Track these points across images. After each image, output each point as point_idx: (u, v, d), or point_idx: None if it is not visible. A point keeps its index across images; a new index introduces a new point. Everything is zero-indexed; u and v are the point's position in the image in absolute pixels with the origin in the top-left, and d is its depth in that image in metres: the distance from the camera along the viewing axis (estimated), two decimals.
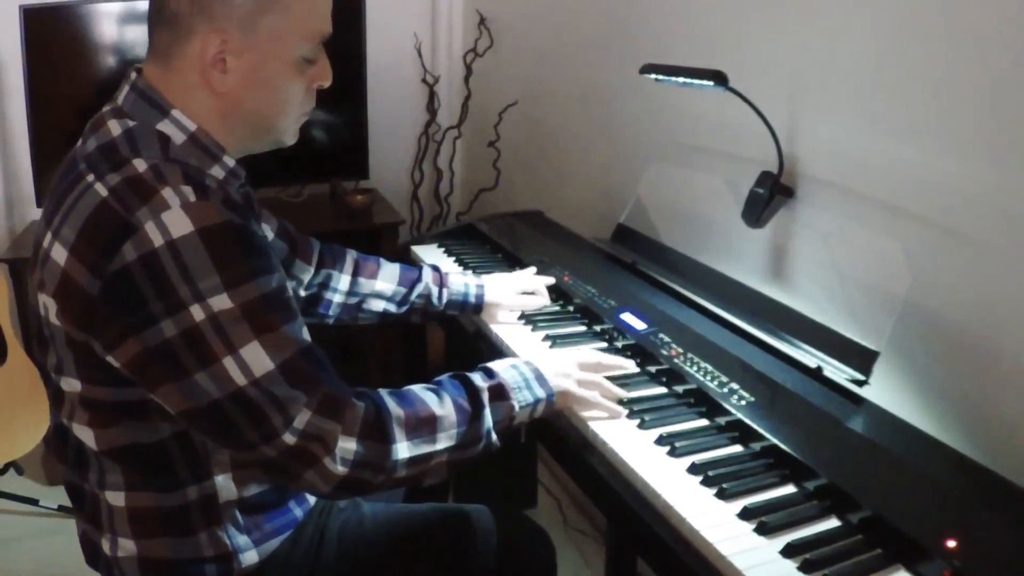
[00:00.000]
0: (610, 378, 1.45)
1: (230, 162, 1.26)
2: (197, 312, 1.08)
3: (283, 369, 1.12)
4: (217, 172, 1.24)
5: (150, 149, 1.16)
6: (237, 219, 1.13)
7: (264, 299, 1.12)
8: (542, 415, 1.39)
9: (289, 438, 1.12)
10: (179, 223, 1.08)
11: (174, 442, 1.20)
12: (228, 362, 1.09)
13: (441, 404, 1.26)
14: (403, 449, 1.20)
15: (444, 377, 1.34)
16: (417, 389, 1.29)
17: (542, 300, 1.86)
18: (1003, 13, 1.29)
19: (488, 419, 1.30)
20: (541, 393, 1.37)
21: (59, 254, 1.12)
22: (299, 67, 1.25)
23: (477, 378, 1.34)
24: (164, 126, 1.20)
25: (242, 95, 1.22)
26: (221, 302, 1.09)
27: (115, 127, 1.18)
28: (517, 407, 1.34)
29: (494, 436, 1.31)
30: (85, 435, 1.21)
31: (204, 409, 1.11)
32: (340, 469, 1.15)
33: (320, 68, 1.28)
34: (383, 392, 1.25)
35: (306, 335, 1.19)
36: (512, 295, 1.83)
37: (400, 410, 1.22)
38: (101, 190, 1.11)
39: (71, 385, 1.19)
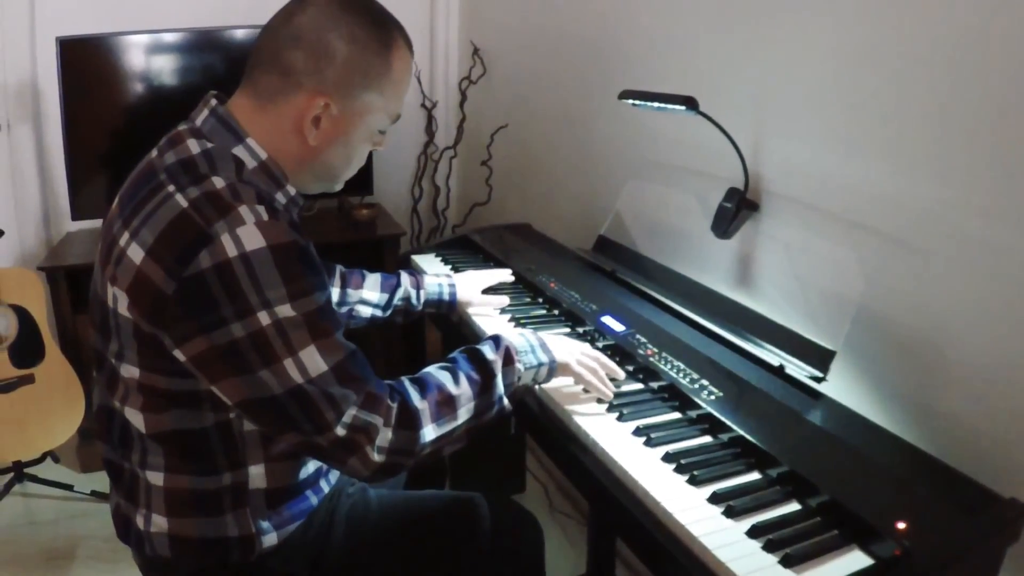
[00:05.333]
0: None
1: (292, 190, 1.27)
2: (264, 318, 1.09)
3: (335, 370, 1.14)
4: (281, 198, 1.25)
5: (226, 170, 1.17)
6: (302, 240, 1.15)
7: (320, 310, 1.14)
8: (544, 381, 1.41)
9: (340, 431, 1.14)
10: (252, 238, 1.09)
11: (216, 432, 1.21)
12: (288, 363, 1.11)
13: (457, 383, 1.28)
14: (429, 432, 1.22)
15: (457, 353, 1.35)
16: (434, 371, 1.30)
17: (504, 299, 1.87)
18: (947, 44, 1.30)
19: (500, 386, 1.32)
20: (544, 358, 1.39)
21: (136, 253, 1.12)
22: (374, 136, 1.31)
23: (488, 351, 1.34)
24: (238, 151, 1.21)
25: (325, 150, 1.26)
26: (285, 310, 1.10)
27: (194, 146, 1.19)
28: (522, 368, 1.36)
29: (506, 401, 1.33)
30: (135, 418, 1.21)
31: (264, 401, 1.12)
32: (378, 457, 1.18)
33: (383, 137, 1.35)
34: (406, 383, 1.26)
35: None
36: (478, 293, 1.88)
37: (423, 400, 1.23)
38: (182, 201, 1.11)
39: (130, 372, 1.18)
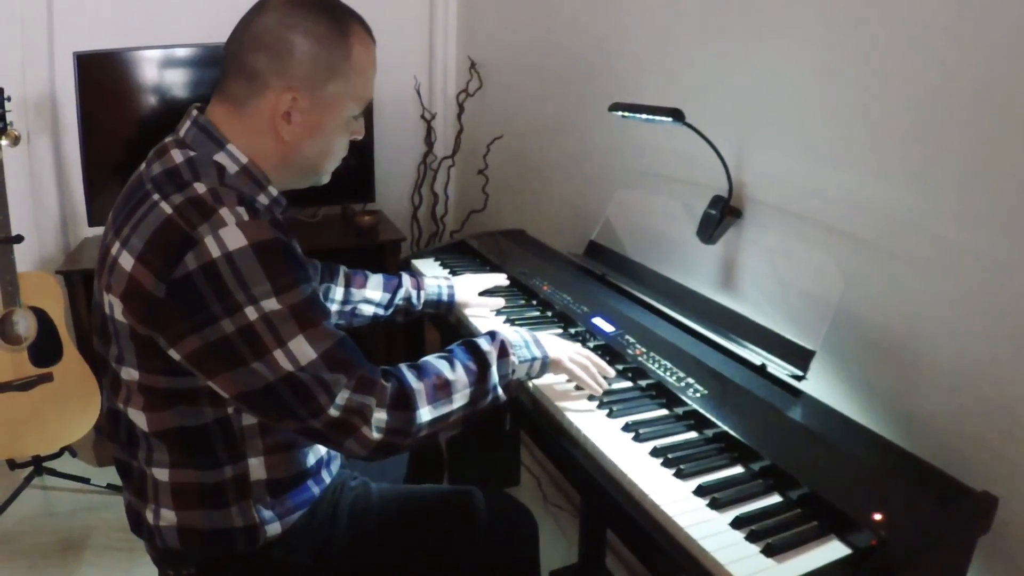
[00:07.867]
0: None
1: (273, 191, 1.27)
2: (251, 312, 1.09)
3: (324, 357, 1.14)
4: (263, 199, 1.25)
5: (208, 176, 1.17)
6: (283, 236, 1.14)
7: (306, 301, 1.14)
8: (536, 376, 1.42)
9: (334, 412, 1.15)
10: (235, 238, 1.09)
11: (216, 427, 1.21)
12: (278, 353, 1.11)
13: (453, 370, 1.28)
14: (425, 414, 1.23)
15: (455, 345, 1.36)
16: (432, 359, 1.31)
17: (499, 300, 1.88)
18: (921, 59, 1.30)
19: (495, 376, 1.32)
20: (538, 353, 1.40)
21: (127, 261, 1.12)
22: (348, 124, 1.30)
23: (484, 342, 1.35)
24: (220, 157, 1.21)
25: (301, 144, 1.25)
26: (271, 304, 1.10)
27: (177, 155, 1.19)
28: (517, 361, 1.37)
29: (500, 390, 1.33)
30: (138, 418, 1.21)
31: (259, 391, 1.12)
32: (375, 436, 1.18)
33: (360, 125, 1.33)
34: (403, 368, 1.26)
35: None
36: (475, 295, 1.88)
37: (420, 382, 1.24)
38: (166, 208, 1.11)
39: (130, 374, 1.18)
